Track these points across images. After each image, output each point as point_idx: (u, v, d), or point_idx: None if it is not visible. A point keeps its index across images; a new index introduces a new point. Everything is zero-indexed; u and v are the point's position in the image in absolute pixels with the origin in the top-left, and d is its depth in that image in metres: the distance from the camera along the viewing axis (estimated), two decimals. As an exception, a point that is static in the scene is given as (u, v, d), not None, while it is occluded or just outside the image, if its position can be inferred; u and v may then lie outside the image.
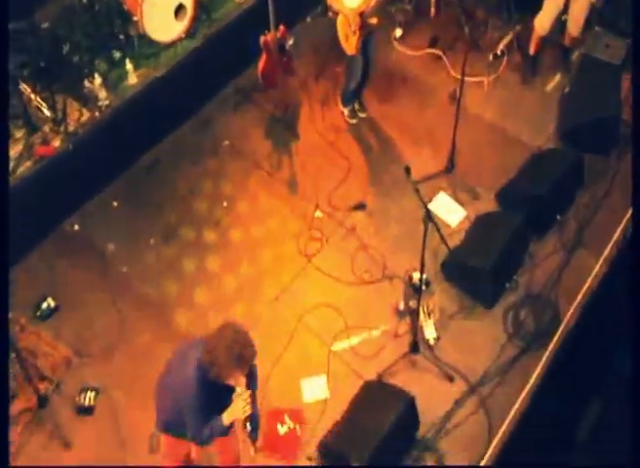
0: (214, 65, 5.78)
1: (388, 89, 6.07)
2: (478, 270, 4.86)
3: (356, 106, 5.87)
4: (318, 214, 5.39)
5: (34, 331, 4.66)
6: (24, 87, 5.00)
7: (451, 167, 5.53)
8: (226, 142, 5.75)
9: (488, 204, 5.39)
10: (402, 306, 4.92)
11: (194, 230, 5.27)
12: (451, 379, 4.67)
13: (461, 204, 5.39)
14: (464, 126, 5.38)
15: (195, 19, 5.57)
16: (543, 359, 4.79)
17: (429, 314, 4.88)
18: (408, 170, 4.24)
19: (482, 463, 4.41)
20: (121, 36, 5.40)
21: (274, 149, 5.75)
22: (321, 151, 5.70)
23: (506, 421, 4.55)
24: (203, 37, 5.65)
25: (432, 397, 4.55)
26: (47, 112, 5.00)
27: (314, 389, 4.63)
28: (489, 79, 6.06)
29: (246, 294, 5.00)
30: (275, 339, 4.74)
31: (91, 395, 4.44)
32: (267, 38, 5.35)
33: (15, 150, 4.85)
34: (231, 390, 3.33)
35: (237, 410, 3.31)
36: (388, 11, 6.33)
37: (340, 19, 5.19)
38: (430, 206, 5.18)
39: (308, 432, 4.45)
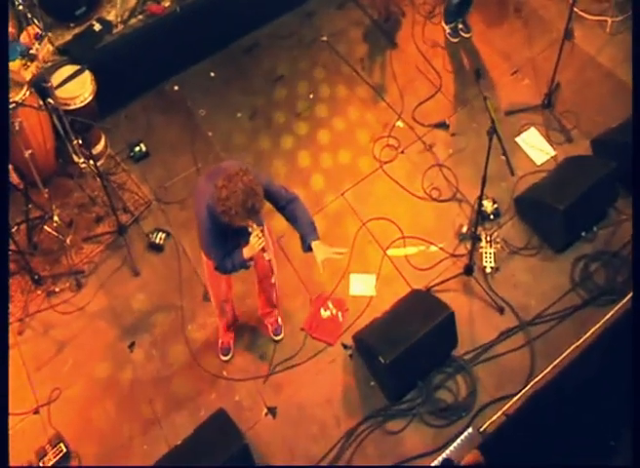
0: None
1: (499, 14, 6.07)
2: (552, 209, 4.76)
3: (460, 26, 5.90)
4: (399, 123, 5.53)
5: (126, 168, 5.29)
6: None
7: (548, 103, 5.46)
8: (324, 38, 6.03)
9: (580, 149, 5.31)
10: (465, 229, 4.97)
11: (278, 113, 5.62)
12: (501, 311, 4.67)
13: (552, 143, 5.34)
14: (574, 65, 5.45)
15: None
16: (606, 316, 4.63)
17: (491, 243, 4.90)
18: (478, 73, 4.24)
19: (506, 406, 4.39)
20: None
21: (369, 53, 5.95)
22: (415, 64, 5.81)
23: (548, 368, 4.47)
24: None
25: (477, 322, 4.62)
26: None
27: (362, 285, 4.84)
28: (613, 19, 5.87)
29: (315, 179, 5.31)
30: (336, 232, 5.02)
31: (162, 236, 4.99)
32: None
33: (130, 3, 5.34)
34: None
35: (254, 246, 3.59)
36: None
37: None
38: (518, 139, 5.28)
39: (348, 322, 4.69)
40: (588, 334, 4.55)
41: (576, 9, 5.68)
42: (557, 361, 4.47)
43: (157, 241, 4.92)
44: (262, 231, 3.63)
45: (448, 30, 5.89)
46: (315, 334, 4.68)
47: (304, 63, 5.87)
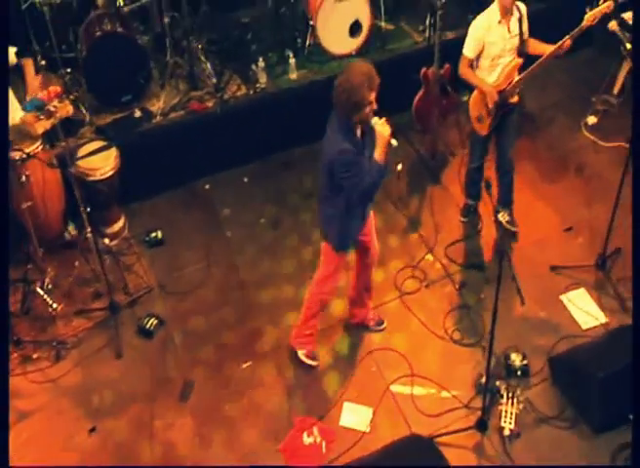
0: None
1: (558, 171, 5.96)
2: (589, 376, 4.29)
3: (504, 215, 5.12)
4: (429, 256, 5.37)
5: (138, 251, 5.42)
6: (203, 57, 5.90)
7: (602, 264, 5.13)
8: None
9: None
10: (484, 380, 4.44)
11: (303, 227, 5.63)
12: (516, 480, 4.19)
13: (604, 309, 4.95)
14: None
15: (368, 42, 6.02)
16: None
17: (514, 401, 4.43)
18: (488, 185, 4.04)
19: None
20: (298, 40, 6.20)
21: (410, 185, 5.91)
22: (457, 204, 5.66)
23: None
24: (372, 60, 5.91)
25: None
26: (213, 80, 5.86)
27: (355, 417, 4.51)
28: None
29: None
30: (338, 355, 4.81)
31: (154, 322, 4.94)
32: (427, 71, 5.64)
33: (174, 98, 5.72)
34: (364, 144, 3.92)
35: (382, 134, 3.77)
36: (587, 98, 6.29)
37: (474, 97, 4.99)
38: (563, 297, 5.00)
39: (331, 456, 4.33)
40: None
41: None
42: None
43: (148, 326, 4.88)
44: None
45: (462, 206, 5.56)
46: (291, 462, 4.31)
47: None
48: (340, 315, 4.97)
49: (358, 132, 3.95)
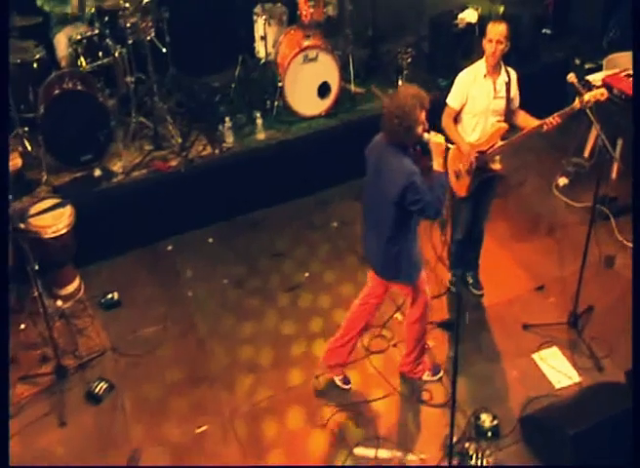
0: (346, 151, 5.96)
1: (530, 230, 5.91)
2: (561, 436, 4.09)
3: (469, 278, 5.33)
4: (398, 315, 5.20)
5: (92, 314, 5.21)
6: (169, 117, 5.86)
7: (574, 322, 5.00)
8: (335, 224, 6.05)
9: (612, 379, 4.72)
10: (453, 442, 4.27)
11: (267, 286, 5.48)
12: None
13: (577, 368, 4.80)
14: (614, 292, 5.15)
15: (338, 103, 5.95)
16: None
17: (482, 462, 4.24)
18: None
19: None
20: (267, 102, 6.16)
21: None
22: (426, 262, 5.38)
23: None
24: (341, 120, 5.93)
25: None
26: (178, 139, 5.81)
27: None
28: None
29: (286, 360, 4.95)
30: (298, 417, 4.58)
31: (104, 386, 4.69)
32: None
33: (137, 157, 5.64)
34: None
35: (437, 143, 3.86)
36: (558, 160, 6.32)
37: (453, 150, 4.72)
38: (536, 355, 4.86)
39: None
40: None
41: (620, 238, 5.66)
42: None
43: (97, 391, 4.61)
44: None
45: (450, 277, 5.34)
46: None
47: (308, 245, 5.84)
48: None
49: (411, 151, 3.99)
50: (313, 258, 5.72)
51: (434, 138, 3.87)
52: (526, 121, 4.68)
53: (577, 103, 4.34)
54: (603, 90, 4.39)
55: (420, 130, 3.85)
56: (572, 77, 4.45)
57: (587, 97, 4.32)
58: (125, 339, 5.03)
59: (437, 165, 3.92)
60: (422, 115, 3.80)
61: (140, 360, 4.89)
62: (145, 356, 4.90)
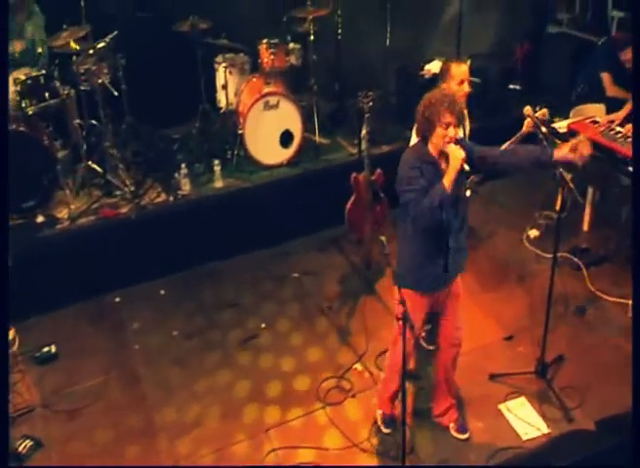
0: (308, 201, 5.78)
1: (499, 280, 5.73)
2: None
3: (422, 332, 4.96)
4: (358, 366, 4.96)
5: (24, 369, 4.87)
6: (122, 165, 5.67)
7: (542, 371, 4.78)
8: (296, 274, 5.81)
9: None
10: None
11: (220, 338, 5.19)
12: None
13: (546, 420, 4.54)
14: (586, 343, 5.00)
15: (301, 152, 5.78)
16: None
17: None
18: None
19: None
20: (228, 151, 5.98)
21: (341, 295, 5.60)
22: (390, 312, 5.17)
23: None
24: (304, 170, 5.74)
25: None
26: (131, 187, 5.56)
27: None
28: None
29: (237, 417, 4.60)
30: None
31: (29, 444, 4.32)
32: (358, 176, 5.45)
33: (85, 203, 5.42)
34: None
35: (454, 157, 3.66)
36: (529, 213, 6.16)
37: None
38: (502, 406, 4.61)
39: None
40: None
41: (593, 289, 5.50)
42: None
43: (21, 450, 4.21)
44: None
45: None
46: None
47: (266, 295, 5.55)
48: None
49: (433, 152, 3.78)
50: (272, 310, 5.39)
51: (454, 152, 3.70)
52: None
53: (525, 128, 4.54)
54: (544, 110, 4.61)
55: (441, 131, 3.70)
56: (528, 110, 4.47)
57: (528, 120, 4.50)
58: (59, 394, 4.68)
59: (447, 179, 3.71)
60: (447, 115, 3.67)
61: (74, 416, 4.52)
62: (80, 412, 4.53)
